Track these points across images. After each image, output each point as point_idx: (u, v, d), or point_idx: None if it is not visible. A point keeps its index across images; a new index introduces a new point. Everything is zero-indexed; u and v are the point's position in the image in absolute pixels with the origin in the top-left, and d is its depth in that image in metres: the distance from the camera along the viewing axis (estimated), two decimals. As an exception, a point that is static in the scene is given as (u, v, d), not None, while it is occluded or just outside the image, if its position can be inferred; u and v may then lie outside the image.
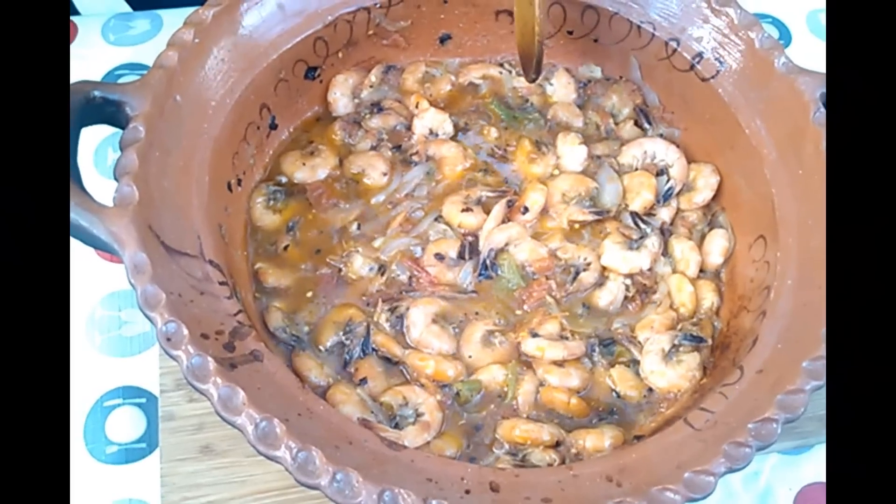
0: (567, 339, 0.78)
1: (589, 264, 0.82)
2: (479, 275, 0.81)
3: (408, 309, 0.78)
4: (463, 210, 0.84)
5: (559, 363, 0.77)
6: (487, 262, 0.82)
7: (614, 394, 0.77)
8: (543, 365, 0.76)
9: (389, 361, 0.77)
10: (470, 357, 0.77)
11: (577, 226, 0.85)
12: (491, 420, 0.75)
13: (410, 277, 0.81)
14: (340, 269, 0.81)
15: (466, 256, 0.82)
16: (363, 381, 0.74)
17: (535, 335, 0.78)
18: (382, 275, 0.81)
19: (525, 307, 0.80)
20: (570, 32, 0.93)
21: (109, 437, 0.80)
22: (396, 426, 0.71)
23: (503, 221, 0.84)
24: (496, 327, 0.79)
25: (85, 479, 0.78)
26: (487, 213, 0.84)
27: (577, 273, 0.82)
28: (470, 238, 0.83)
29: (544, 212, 0.86)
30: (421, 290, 0.80)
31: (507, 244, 0.83)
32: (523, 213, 0.85)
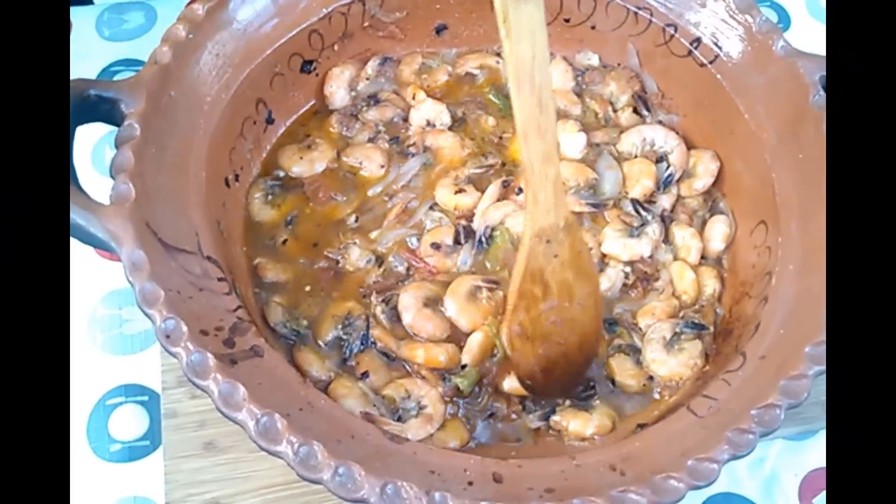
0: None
1: (589, 251, 0.82)
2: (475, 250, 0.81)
3: (398, 297, 0.78)
4: (456, 192, 0.84)
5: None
6: (483, 238, 0.81)
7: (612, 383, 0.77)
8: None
9: (388, 355, 0.76)
10: (456, 318, 0.76)
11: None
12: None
13: (408, 268, 0.81)
14: (338, 262, 0.81)
15: (462, 241, 0.82)
16: (365, 374, 0.74)
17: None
18: (380, 266, 0.81)
19: None
20: (567, 20, 0.92)
21: (112, 436, 0.80)
22: (399, 419, 0.71)
23: (498, 201, 0.83)
24: (484, 283, 0.78)
25: (89, 478, 0.78)
26: (480, 191, 0.84)
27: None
28: (464, 222, 0.83)
29: None
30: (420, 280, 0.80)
31: (502, 221, 0.82)
32: (518, 194, 0.84)
